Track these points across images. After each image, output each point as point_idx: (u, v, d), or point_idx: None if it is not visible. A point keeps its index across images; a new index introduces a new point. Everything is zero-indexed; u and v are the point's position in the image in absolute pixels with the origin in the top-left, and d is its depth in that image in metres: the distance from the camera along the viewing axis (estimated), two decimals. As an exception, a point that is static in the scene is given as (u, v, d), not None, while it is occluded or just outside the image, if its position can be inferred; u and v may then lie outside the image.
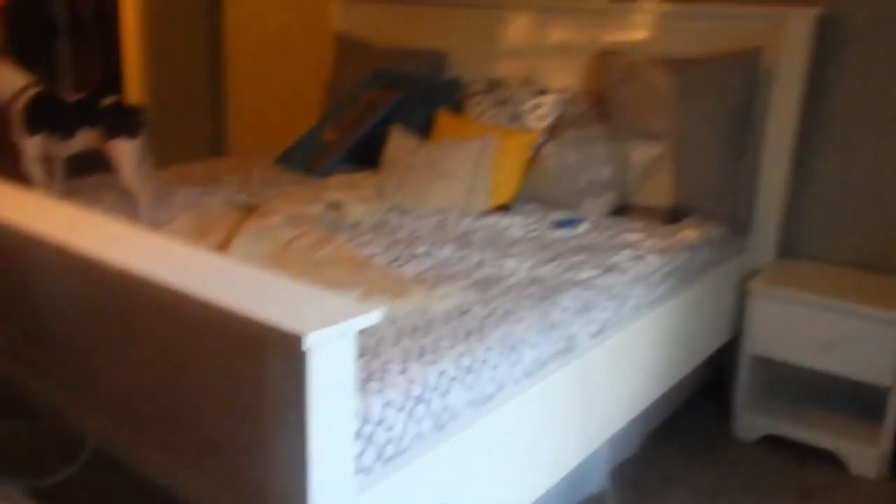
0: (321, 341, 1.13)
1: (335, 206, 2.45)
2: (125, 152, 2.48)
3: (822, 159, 2.75)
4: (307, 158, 3.09)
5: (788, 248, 2.86)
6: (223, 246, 2.13)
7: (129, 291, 1.44)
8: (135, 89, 4.25)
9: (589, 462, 2.07)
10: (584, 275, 2.07)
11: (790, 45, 2.61)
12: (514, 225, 2.50)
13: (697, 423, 2.70)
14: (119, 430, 1.51)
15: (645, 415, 2.37)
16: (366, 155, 3.10)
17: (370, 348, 1.55)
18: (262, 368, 1.21)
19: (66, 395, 1.64)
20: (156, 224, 2.31)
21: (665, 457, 2.48)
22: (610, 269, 2.13)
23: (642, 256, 2.24)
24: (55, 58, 4.92)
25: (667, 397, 2.51)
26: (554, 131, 2.85)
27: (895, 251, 2.67)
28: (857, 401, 2.64)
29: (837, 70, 2.67)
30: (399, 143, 2.86)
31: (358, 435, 1.32)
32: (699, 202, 2.66)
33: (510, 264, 2.12)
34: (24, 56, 4.63)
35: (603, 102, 2.91)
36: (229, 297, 1.23)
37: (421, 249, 2.19)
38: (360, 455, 1.34)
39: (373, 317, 1.22)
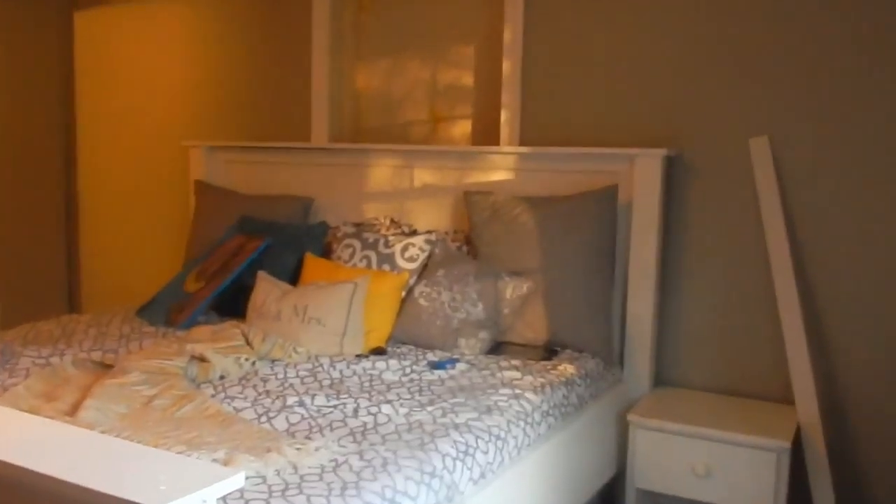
0: (178, 511, 1.07)
1: (199, 359, 2.37)
2: None
3: (681, 290, 2.96)
4: (169, 310, 3.01)
5: (663, 377, 3.00)
6: (74, 409, 2.00)
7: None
8: (-23, 243, 4.05)
9: None
10: (463, 417, 2.08)
11: (643, 182, 2.85)
12: (389, 368, 2.49)
13: (590, 564, 2.67)
14: None
15: (535, 561, 2.33)
16: (231, 304, 3.05)
17: (236, 513, 1.47)
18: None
19: None
20: (-6, 390, 2.15)
21: None
22: (489, 410, 2.14)
23: (521, 395, 2.28)
24: None
25: (557, 540, 2.49)
26: (424, 271, 2.93)
27: (757, 376, 2.85)
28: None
29: (684, 204, 2.93)
30: (266, 289, 2.85)
31: None
32: (572, 336, 2.77)
33: (386, 410, 2.10)
34: None
35: (471, 241, 3.04)
36: (78, 471, 1.15)
37: (292, 400, 2.14)
38: None
39: (236, 480, 1.17)
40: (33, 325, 2.91)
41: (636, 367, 2.92)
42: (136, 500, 1.06)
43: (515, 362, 2.60)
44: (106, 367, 2.34)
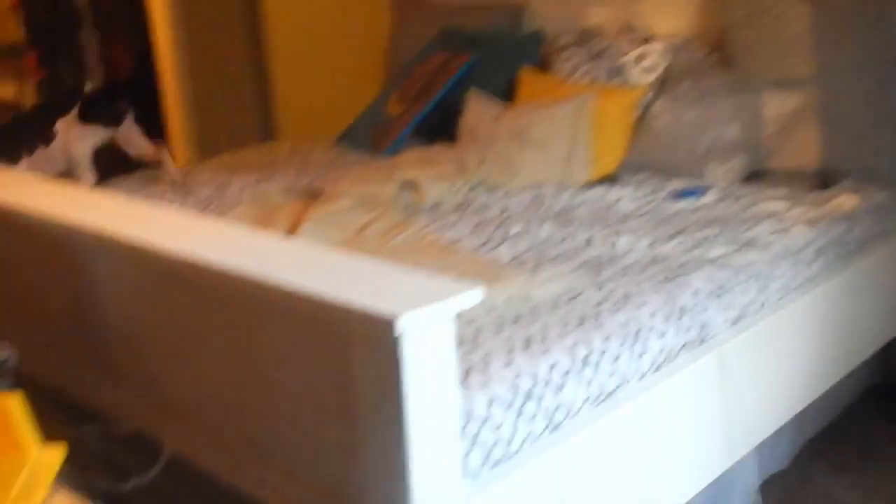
0: (415, 325, 1.17)
1: (410, 185, 2.50)
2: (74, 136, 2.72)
3: None
4: (372, 134, 3.17)
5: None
6: (290, 235, 2.21)
7: (198, 284, 1.52)
8: (169, 76, 4.42)
9: (731, 476, 2.06)
10: (717, 252, 2.07)
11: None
12: (623, 198, 2.50)
13: (863, 433, 2.64)
14: (195, 434, 1.59)
15: (799, 421, 2.34)
16: (439, 127, 3.15)
17: (468, 339, 1.59)
18: (350, 360, 1.26)
19: (136, 400, 1.73)
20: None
21: (824, 473, 2.44)
22: (748, 245, 2.11)
23: (787, 229, 2.22)
24: (80, 49, 5.15)
25: (824, 401, 2.46)
26: (664, 85, 2.85)
27: None
28: None
29: None
30: (478, 110, 2.91)
31: (462, 433, 1.36)
32: (855, 161, 2.61)
33: (624, 242, 2.13)
34: (48, 49, 4.89)
35: (723, 46, 2.89)
36: (308, 282, 1.29)
37: (515, 230, 2.22)
38: (466, 456, 1.38)
39: (474, 295, 1.25)
40: (235, 153, 3.20)
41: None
42: (374, 311, 1.17)
43: (780, 192, 2.51)
44: (315, 195, 2.54)
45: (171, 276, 1.57)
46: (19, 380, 1.33)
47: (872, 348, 2.61)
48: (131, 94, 3.13)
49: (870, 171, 2.60)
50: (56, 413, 1.27)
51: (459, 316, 1.26)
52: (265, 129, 4.48)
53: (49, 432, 1.03)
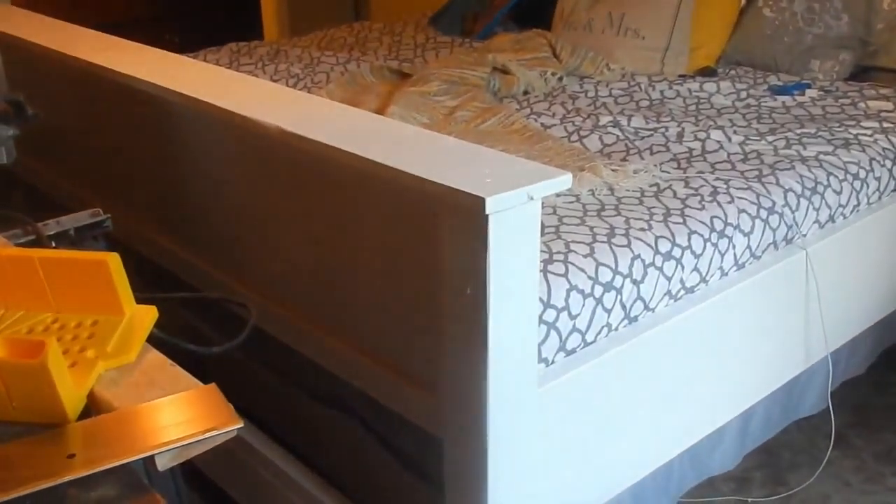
0: (504, 205, 1.17)
1: (501, 70, 2.47)
2: None
3: None
4: (465, 18, 3.12)
5: None
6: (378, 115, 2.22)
7: (290, 156, 1.54)
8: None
9: (805, 379, 2.04)
10: (813, 150, 2.00)
11: None
12: (720, 91, 2.43)
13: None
14: (281, 310, 1.64)
15: (879, 328, 2.29)
16: (533, 12, 3.07)
17: (551, 227, 1.59)
18: (439, 239, 1.28)
19: (222, 271, 1.79)
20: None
21: (900, 382, 2.41)
22: (847, 145, 2.04)
23: (891, 129, 2.13)
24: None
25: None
26: (774, -26, 2.70)
27: None
28: None
29: None
30: (575, -5, 2.82)
31: (540, 320, 1.38)
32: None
33: (716, 137, 2.07)
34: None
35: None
36: (398, 158, 1.29)
37: (605, 120, 2.18)
38: (542, 343, 1.40)
39: (563, 181, 1.24)
40: (325, 31, 3.18)
41: None
42: (464, 189, 1.18)
43: (886, 91, 2.39)
44: (404, 76, 2.52)
45: (264, 148, 1.60)
46: (109, 244, 1.39)
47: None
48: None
49: None
50: (142, 278, 1.32)
51: (544, 203, 1.25)
52: (357, 7, 4.44)
53: (137, 296, 1.07)
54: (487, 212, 1.16)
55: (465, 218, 1.20)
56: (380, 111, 2.25)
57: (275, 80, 2.55)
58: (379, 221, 1.41)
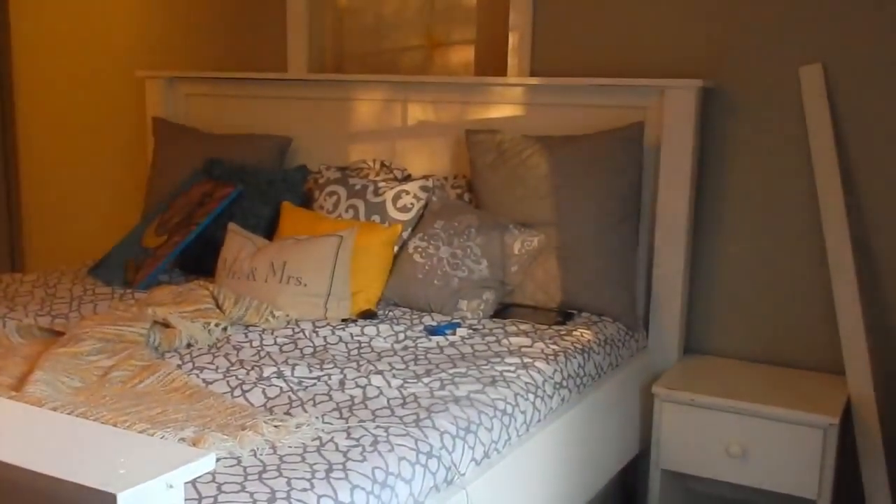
0: (139, 498, 1.10)
1: (162, 324, 2.40)
2: None
3: (718, 244, 2.97)
4: (127, 267, 3.03)
5: (693, 345, 3.03)
6: (21, 383, 2.04)
7: None
8: None
9: None
10: (465, 389, 2.11)
11: (674, 119, 2.84)
12: (380, 334, 2.52)
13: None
14: None
15: (546, 551, 2.39)
16: (197, 261, 3.08)
17: (209, 496, 1.51)
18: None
19: None
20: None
21: None
22: (493, 382, 2.18)
23: (530, 364, 2.32)
24: None
25: (571, 528, 2.55)
26: (420, 223, 2.94)
27: (802, 343, 2.88)
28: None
29: (721, 145, 2.93)
30: (237, 244, 2.86)
31: None
32: (589, 297, 2.79)
33: (377, 382, 2.13)
34: None
35: (473, 188, 3.04)
36: (21, 453, 1.18)
37: (269, 371, 2.17)
38: None
39: (207, 462, 1.19)
40: (-30, 286, 2.94)
41: (663, 333, 2.95)
42: (92, 486, 1.09)
43: (524, 327, 2.63)
44: (56, 335, 2.37)
45: None
46: None
47: (614, 469, 2.75)
48: None
49: (602, 307, 2.80)
50: None
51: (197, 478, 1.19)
52: (12, 259, 4.20)
53: None
54: (121, 507, 1.07)
55: (99, 514, 1.10)
56: (24, 376, 2.08)
57: None
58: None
